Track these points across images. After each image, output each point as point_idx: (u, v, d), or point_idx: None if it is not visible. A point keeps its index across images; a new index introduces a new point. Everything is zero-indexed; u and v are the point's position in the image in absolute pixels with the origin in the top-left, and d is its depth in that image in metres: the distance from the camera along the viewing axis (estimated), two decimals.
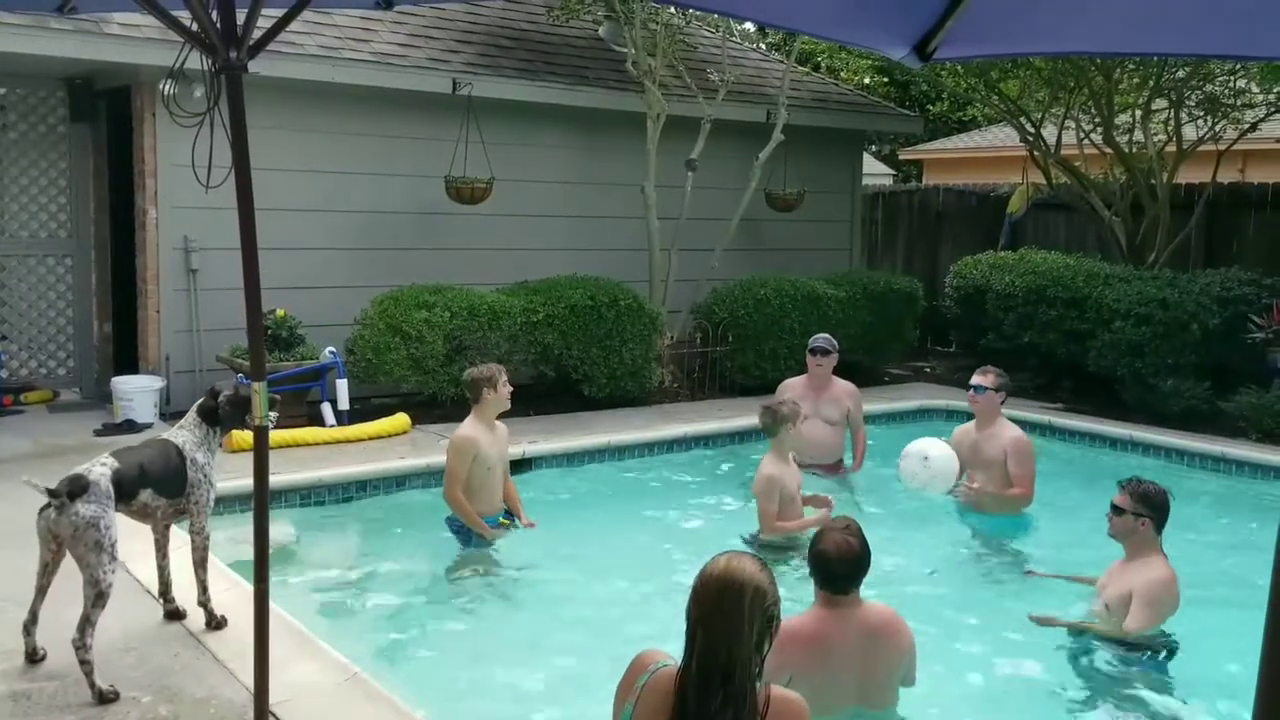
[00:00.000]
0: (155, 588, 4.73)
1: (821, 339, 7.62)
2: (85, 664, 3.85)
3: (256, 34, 3.07)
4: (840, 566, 3.62)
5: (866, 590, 3.76)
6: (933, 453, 6.43)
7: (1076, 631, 4.80)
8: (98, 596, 3.95)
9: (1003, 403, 6.69)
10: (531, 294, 9.17)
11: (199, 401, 4.57)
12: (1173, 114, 11.25)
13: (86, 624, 3.91)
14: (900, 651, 3.77)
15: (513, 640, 4.96)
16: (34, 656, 4.09)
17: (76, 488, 3.97)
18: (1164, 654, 4.66)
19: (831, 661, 3.62)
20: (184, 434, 4.48)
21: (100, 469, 4.09)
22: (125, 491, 4.19)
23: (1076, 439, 9.03)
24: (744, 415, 8.84)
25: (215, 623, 4.45)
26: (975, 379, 6.71)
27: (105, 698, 3.80)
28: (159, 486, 4.35)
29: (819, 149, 11.98)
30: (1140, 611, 4.61)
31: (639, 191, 10.09)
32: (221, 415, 4.49)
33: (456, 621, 5.22)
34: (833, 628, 3.66)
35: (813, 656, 3.55)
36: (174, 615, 4.56)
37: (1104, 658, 4.66)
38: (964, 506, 6.64)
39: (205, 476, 4.45)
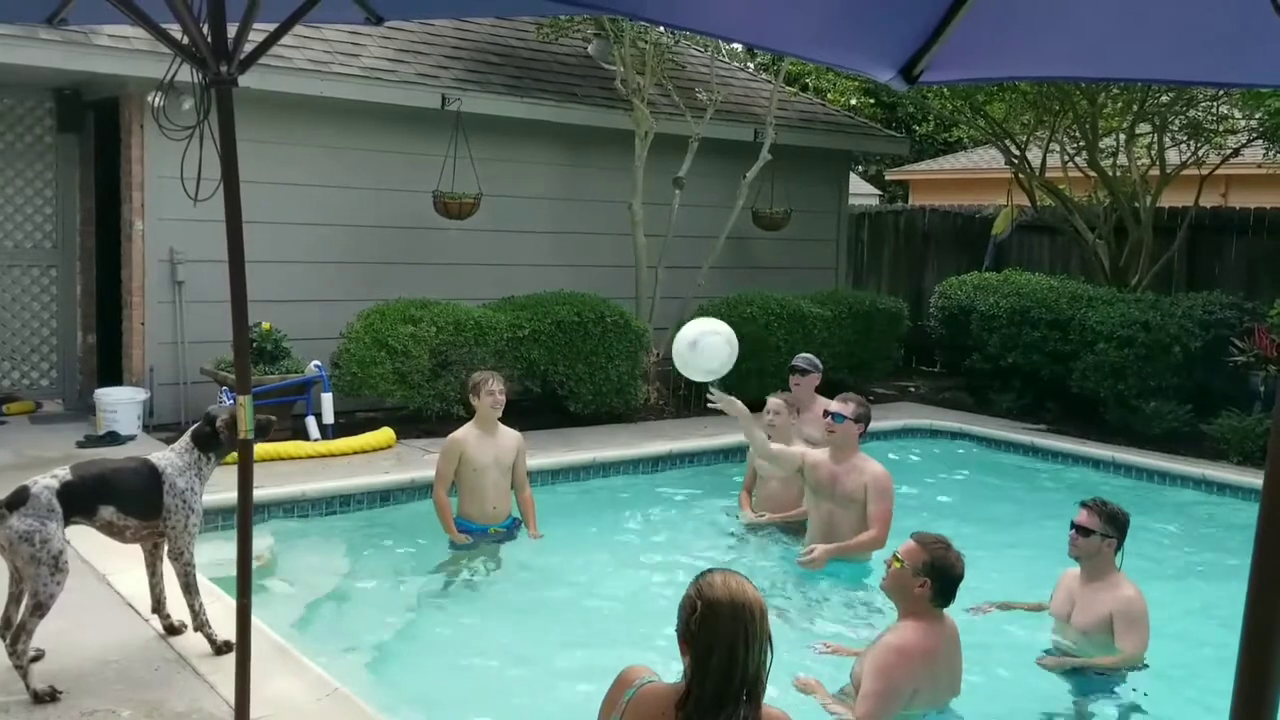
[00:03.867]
0: (137, 602, 4.71)
1: (801, 358, 7.59)
2: (20, 669, 3.90)
3: (247, 48, 3.08)
4: (958, 585, 4.00)
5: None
6: (702, 340, 6.19)
7: (1081, 668, 4.71)
8: (35, 606, 3.95)
9: (861, 435, 6.08)
10: (518, 309, 9.18)
11: (194, 426, 4.45)
12: (1156, 138, 11.36)
13: (22, 631, 3.93)
14: (960, 644, 4.18)
15: (496, 656, 4.94)
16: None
17: (15, 500, 3.96)
18: (1140, 672, 4.67)
19: (940, 667, 4.04)
20: (169, 456, 4.37)
21: (47, 481, 4.04)
22: (81, 506, 4.12)
23: (1059, 460, 9.08)
24: (729, 433, 8.84)
25: (218, 647, 4.30)
26: (834, 406, 6.08)
27: (40, 698, 3.83)
28: (124, 504, 4.24)
29: (806, 169, 12.05)
30: (1135, 633, 4.61)
31: (626, 208, 10.12)
32: (222, 440, 4.36)
33: (439, 637, 5.21)
34: (939, 639, 4.03)
35: (931, 667, 3.99)
36: (172, 630, 4.49)
37: (1083, 684, 4.67)
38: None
39: (184, 503, 4.30)
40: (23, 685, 3.89)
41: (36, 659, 4.11)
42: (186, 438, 4.43)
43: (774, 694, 4.11)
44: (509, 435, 6.36)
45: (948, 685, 4.12)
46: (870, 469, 5.98)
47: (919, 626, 3.99)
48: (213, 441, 4.38)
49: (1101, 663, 4.68)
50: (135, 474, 4.30)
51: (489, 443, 6.23)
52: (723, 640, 2.56)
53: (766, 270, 11.72)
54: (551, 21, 10.59)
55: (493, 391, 6.19)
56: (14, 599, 4.08)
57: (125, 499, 4.25)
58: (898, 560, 4.00)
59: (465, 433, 6.28)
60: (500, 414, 6.30)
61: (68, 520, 4.08)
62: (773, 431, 6.73)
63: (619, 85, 10.12)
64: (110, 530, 4.33)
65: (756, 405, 7.31)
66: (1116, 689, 4.62)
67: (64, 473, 4.13)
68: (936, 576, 3.93)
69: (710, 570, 2.71)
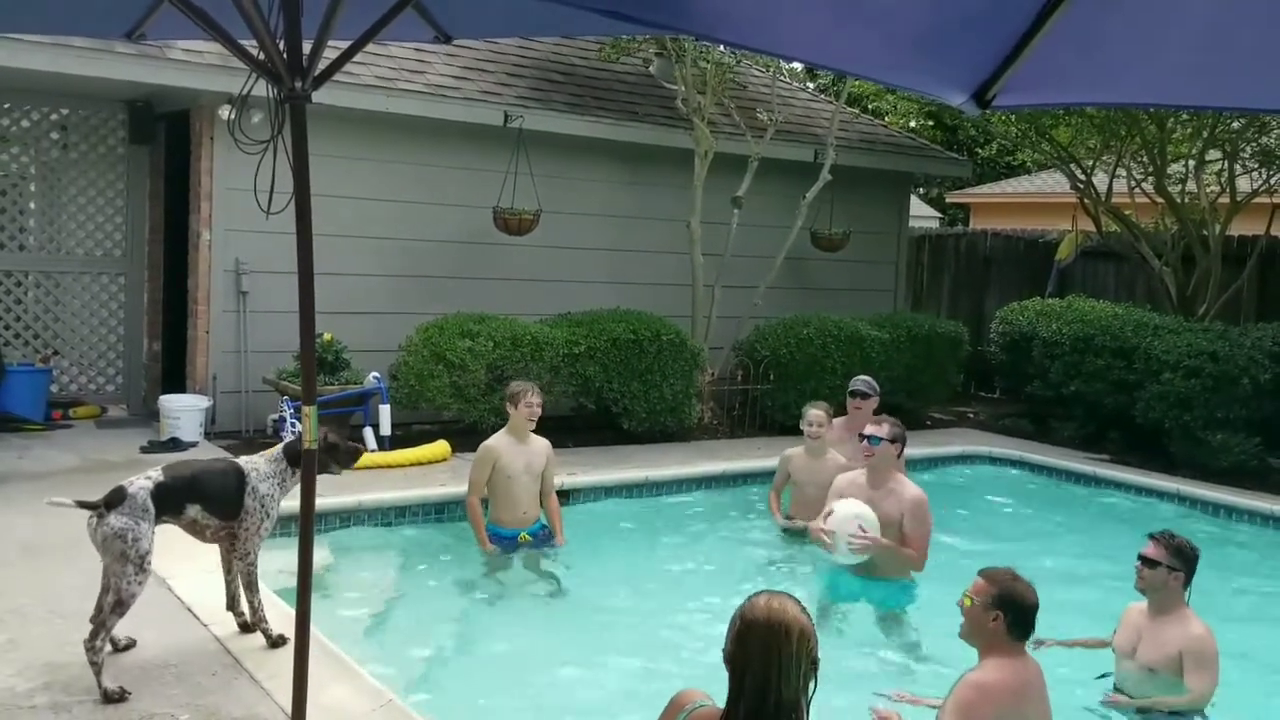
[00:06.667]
0: (197, 607, 4.80)
1: (861, 381, 7.52)
2: (94, 664, 3.96)
3: (321, 65, 3.12)
4: (1034, 614, 3.85)
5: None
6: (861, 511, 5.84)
7: (1148, 708, 4.60)
8: (117, 604, 4.07)
9: (899, 455, 6.10)
10: (574, 326, 9.20)
11: (288, 440, 4.66)
12: (1227, 165, 11.14)
13: (101, 628, 4.03)
14: (1045, 682, 3.98)
15: (548, 671, 4.94)
16: (116, 646, 4.28)
17: (114, 499, 4.10)
18: (1206, 714, 4.56)
19: (1029, 705, 3.83)
20: (257, 462, 4.55)
21: (143, 482, 4.20)
22: (171, 505, 4.28)
23: (1121, 491, 8.90)
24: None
25: (273, 641, 4.47)
26: (869, 429, 6.06)
27: (110, 697, 3.89)
28: (209, 504, 4.42)
29: (866, 190, 11.98)
30: (1205, 672, 4.50)
31: (684, 227, 10.12)
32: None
33: (492, 650, 5.21)
34: (1026, 674, 3.86)
35: (1021, 704, 3.80)
36: (245, 627, 4.61)
37: None
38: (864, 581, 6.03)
39: (262, 507, 4.48)
40: (88, 685, 3.95)
41: (129, 647, 4.31)
42: (279, 449, 4.59)
43: None
44: (539, 443, 6.50)
45: None
46: (908, 493, 5.97)
47: (1002, 663, 3.82)
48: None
49: (1169, 702, 4.57)
50: (223, 475, 4.48)
51: (521, 450, 6.38)
52: (755, 660, 2.53)
53: (824, 291, 11.65)
54: (614, 41, 10.64)
55: (531, 404, 6.33)
56: (105, 590, 4.20)
57: (211, 499, 4.42)
58: (968, 599, 3.87)
59: (498, 440, 6.42)
60: (534, 425, 6.41)
61: (158, 519, 4.22)
62: (815, 444, 6.76)
63: (680, 104, 10.14)
64: (194, 529, 4.48)
65: None
66: None
67: (158, 473, 4.28)
68: (1009, 608, 3.79)
69: (761, 591, 2.68)
